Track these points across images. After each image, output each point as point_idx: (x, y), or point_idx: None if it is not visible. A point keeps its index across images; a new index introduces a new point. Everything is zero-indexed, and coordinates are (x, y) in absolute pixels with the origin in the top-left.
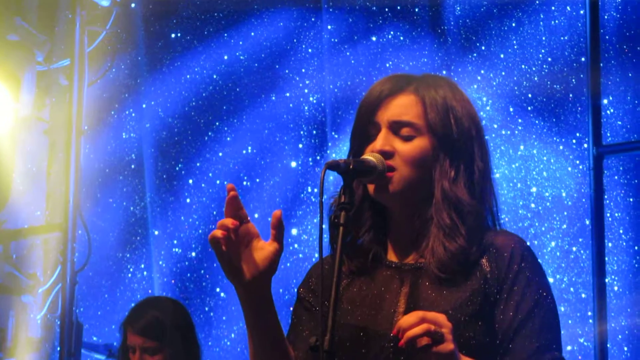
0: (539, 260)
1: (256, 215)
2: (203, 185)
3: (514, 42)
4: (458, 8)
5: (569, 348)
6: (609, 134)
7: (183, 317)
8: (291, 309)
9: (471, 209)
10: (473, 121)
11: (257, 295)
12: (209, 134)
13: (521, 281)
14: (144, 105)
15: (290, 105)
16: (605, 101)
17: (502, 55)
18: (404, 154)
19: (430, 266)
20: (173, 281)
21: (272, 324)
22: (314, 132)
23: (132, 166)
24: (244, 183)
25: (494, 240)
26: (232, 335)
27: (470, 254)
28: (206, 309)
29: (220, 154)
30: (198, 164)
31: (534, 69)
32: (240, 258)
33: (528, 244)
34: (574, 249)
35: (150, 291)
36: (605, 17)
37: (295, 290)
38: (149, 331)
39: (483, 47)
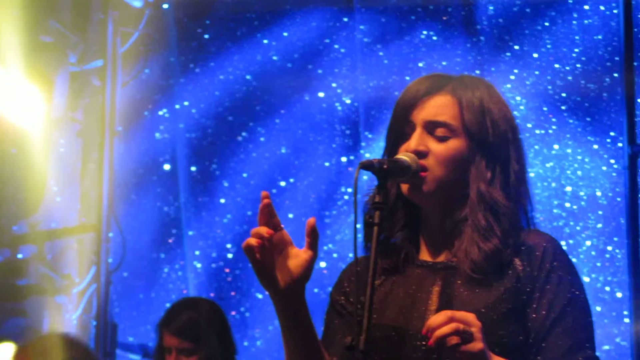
0: (571, 259)
1: (290, 216)
2: (237, 185)
3: (548, 41)
4: (491, 7)
5: (605, 347)
6: None
7: (219, 318)
8: (324, 312)
9: (506, 210)
10: (509, 123)
11: (291, 303)
12: (243, 134)
13: (553, 280)
14: (177, 106)
15: (324, 105)
16: (639, 100)
17: (535, 55)
18: (438, 155)
19: (464, 266)
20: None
21: (307, 330)
22: (348, 132)
23: (166, 167)
24: (278, 183)
25: (526, 240)
26: (268, 335)
27: (503, 255)
28: (242, 309)
29: (254, 155)
30: (232, 165)
31: (567, 68)
32: (274, 266)
33: (563, 243)
34: (609, 248)
35: (185, 291)
36: None
37: (330, 290)
38: (185, 332)
39: (516, 47)
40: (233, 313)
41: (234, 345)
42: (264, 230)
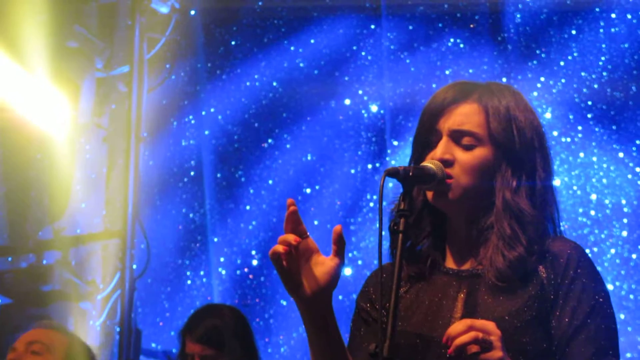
0: (596, 266)
1: (316, 222)
2: (263, 192)
3: (574, 49)
4: (518, 15)
5: (628, 355)
6: None
7: (242, 325)
8: (351, 319)
9: (532, 219)
10: (536, 131)
11: (318, 310)
12: (269, 141)
13: (577, 287)
14: (203, 112)
15: (350, 112)
16: None
17: (562, 63)
18: (463, 163)
19: (489, 274)
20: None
21: (333, 337)
22: (374, 139)
23: (192, 173)
24: (304, 190)
25: (551, 247)
26: (292, 342)
27: (528, 263)
28: (266, 315)
29: (280, 161)
30: (258, 171)
31: (593, 76)
32: (301, 273)
33: (587, 250)
34: (634, 256)
35: (209, 298)
36: None
37: (355, 297)
38: (208, 339)
39: (543, 55)
40: (257, 320)
41: (257, 352)
42: (291, 237)
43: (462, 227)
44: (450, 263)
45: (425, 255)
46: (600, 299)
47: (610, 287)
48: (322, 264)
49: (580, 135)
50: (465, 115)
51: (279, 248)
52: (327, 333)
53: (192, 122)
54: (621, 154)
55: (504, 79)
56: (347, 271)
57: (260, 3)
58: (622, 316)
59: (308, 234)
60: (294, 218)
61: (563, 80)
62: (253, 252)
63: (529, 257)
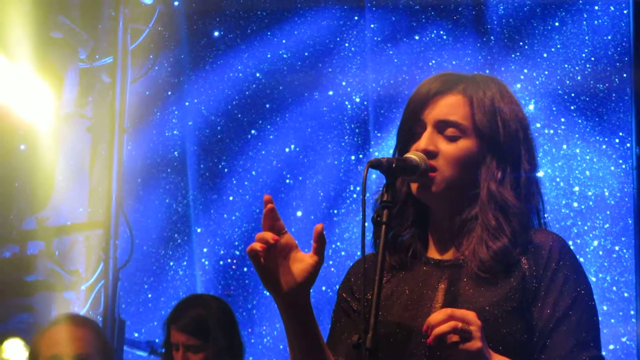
0: (578, 258)
1: (299, 214)
2: (246, 183)
3: (557, 41)
4: (501, 7)
5: (611, 347)
6: None
7: (227, 315)
8: (332, 310)
9: (517, 210)
10: (520, 123)
11: (295, 306)
12: (252, 132)
13: (559, 279)
14: (186, 103)
15: (333, 103)
16: None
17: (545, 55)
18: (447, 155)
19: (471, 265)
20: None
21: (311, 332)
22: (357, 130)
23: (175, 164)
24: (287, 181)
25: (533, 239)
26: (275, 332)
27: (512, 255)
28: (249, 306)
29: (263, 152)
30: (241, 162)
31: (577, 68)
32: (278, 270)
33: (570, 242)
34: (617, 248)
35: (192, 288)
36: None
37: (337, 288)
38: (193, 329)
39: (526, 47)
40: (240, 310)
41: (241, 342)
42: (269, 235)
43: (445, 218)
44: (432, 253)
45: (407, 244)
46: (582, 291)
47: (593, 279)
48: (301, 260)
49: (563, 127)
50: (450, 107)
51: (257, 246)
52: (305, 328)
53: (176, 112)
54: (604, 146)
55: (487, 71)
56: (330, 262)
57: None
58: (605, 308)
59: (286, 230)
60: (272, 215)
61: (546, 72)
62: (236, 243)
63: (513, 249)
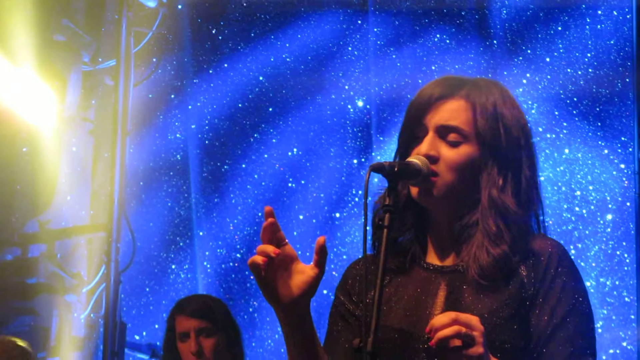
0: (576, 264)
1: (301, 217)
2: (248, 186)
3: (560, 45)
4: (504, 11)
5: (611, 351)
6: None
7: (229, 315)
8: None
9: (517, 217)
10: (522, 130)
11: (295, 317)
12: (255, 135)
13: (557, 286)
14: (189, 107)
15: (336, 107)
16: None
17: (547, 59)
18: (448, 160)
19: (471, 271)
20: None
21: (310, 342)
22: (359, 134)
23: (178, 167)
24: (289, 185)
25: (532, 245)
26: (276, 336)
27: (512, 262)
28: (250, 309)
29: (266, 156)
30: (243, 166)
31: (579, 72)
32: (279, 282)
33: (571, 246)
34: (618, 252)
35: (194, 292)
36: None
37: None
38: (203, 313)
39: (529, 51)
40: (242, 314)
41: (241, 346)
42: (271, 249)
43: (446, 223)
44: (431, 258)
45: (406, 248)
46: (580, 298)
47: (594, 283)
48: (302, 272)
49: (565, 131)
50: (452, 112)
51: (258, 259)
52: (304, 339)
53: (179, 116)
54: (606, 151)
55: (490, 75)
56: (332, 265)
57: None
58: (605, 312)
59: (287, 241)
60: (272, 227)
61: (549, 77)
62: (238, 247)
63: (512, 255)
